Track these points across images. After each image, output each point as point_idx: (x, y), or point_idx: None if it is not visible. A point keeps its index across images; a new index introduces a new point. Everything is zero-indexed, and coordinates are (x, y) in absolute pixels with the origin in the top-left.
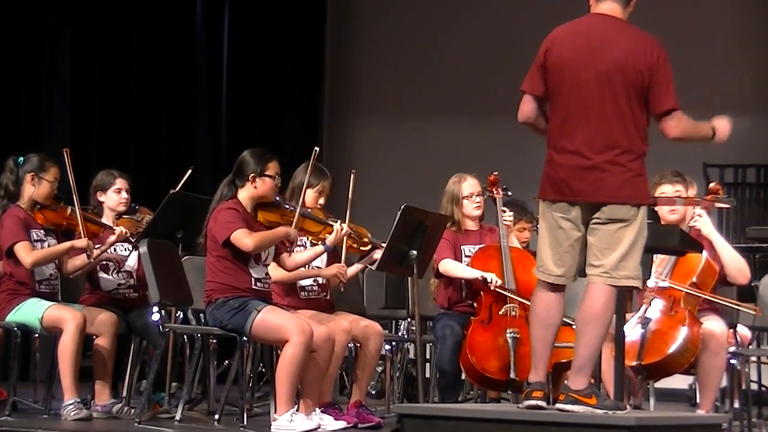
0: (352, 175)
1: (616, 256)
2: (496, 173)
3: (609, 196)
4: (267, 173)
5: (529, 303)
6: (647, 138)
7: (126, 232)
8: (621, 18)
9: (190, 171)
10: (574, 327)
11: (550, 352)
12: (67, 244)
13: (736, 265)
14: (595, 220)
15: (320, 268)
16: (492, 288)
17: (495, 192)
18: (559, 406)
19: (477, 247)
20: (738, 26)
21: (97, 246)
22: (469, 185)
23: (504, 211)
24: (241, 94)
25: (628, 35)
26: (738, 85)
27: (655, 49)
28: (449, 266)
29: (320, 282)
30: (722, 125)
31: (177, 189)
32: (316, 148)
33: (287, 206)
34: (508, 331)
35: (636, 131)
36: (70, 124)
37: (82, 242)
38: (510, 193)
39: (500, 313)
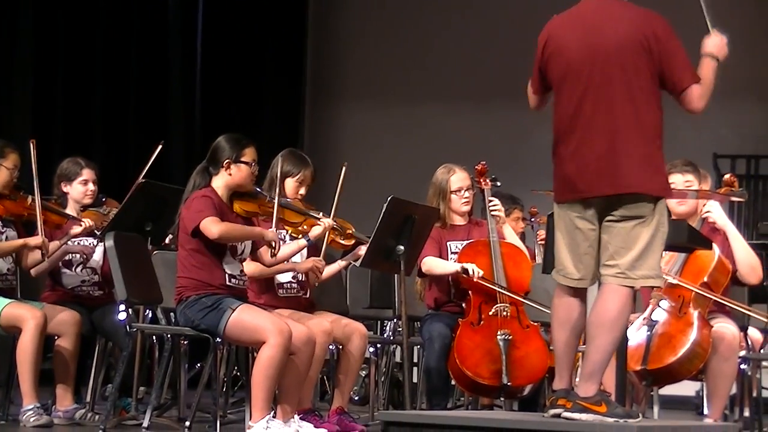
0: (343, 168)
1: (633, 255)
2: (483, 163)
3: (623, 186)
4: (243, 159)
5: (519, 299)
6: (661, 123)
7: (92, 225)
8: None
9: (160, 147)
10: None
11: (573, 357)
12: (19, 242)
13: (748, 261)
14: (609, 218)
15: (296, 262)
16: (474, 280)
17: (483, 183)
18: (566, 414)
19: (464, 242)
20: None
21: (59, 238)
22: (458, 179)
23: (491, 201)
24: (216, 79)
25: (625, 14)
26: (755, 73)
27: (656, 24)
28: (431, 264)
29: (299, 279)
30: (713, 45)
31: (147, 167)
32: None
33: (265, 196)
34: (499, 332)
35: (648, 115)
36: (31, 107)
37: (36, 240)
38: (499, 184)
39: (490, 313)
